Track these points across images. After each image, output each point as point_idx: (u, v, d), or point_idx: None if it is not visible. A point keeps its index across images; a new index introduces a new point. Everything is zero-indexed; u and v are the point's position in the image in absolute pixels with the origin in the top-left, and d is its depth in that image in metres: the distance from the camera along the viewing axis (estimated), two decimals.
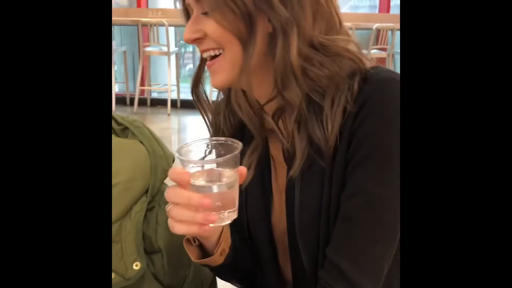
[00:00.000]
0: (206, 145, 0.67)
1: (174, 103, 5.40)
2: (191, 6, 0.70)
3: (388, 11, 5.72)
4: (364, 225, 0.67)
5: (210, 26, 0.67)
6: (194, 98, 0.79)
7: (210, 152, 0.67)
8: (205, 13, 0.68)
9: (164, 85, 5.55)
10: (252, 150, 0.77)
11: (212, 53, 0.70)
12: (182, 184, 0.63)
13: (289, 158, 0.74)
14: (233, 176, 0.64)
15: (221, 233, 0.75)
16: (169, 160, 0.97)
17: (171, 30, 5.37)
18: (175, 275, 0.96)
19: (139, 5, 6.09)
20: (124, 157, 0.97)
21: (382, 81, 0.68)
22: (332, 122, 0.68)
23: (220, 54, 0.69)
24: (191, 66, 7.33)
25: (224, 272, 0.83)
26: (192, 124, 4.87)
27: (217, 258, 0.76)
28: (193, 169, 0.63)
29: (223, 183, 0.64)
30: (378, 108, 0.66)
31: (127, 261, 0.91)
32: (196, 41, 0.70)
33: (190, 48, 8.06)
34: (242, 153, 0.68)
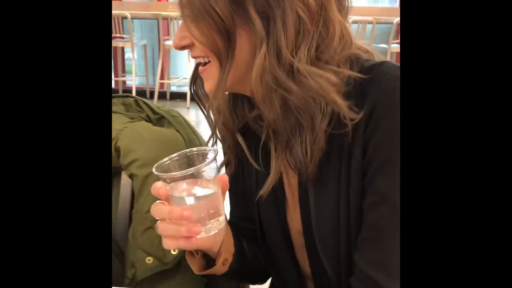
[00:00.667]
0: (184, 158, 0.67)
1: (193, 96, 5.42)
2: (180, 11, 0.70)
3: None
4: (391, 232, 0.67)
5: (194, 35, 0.67)
6: (194, 96, 0.80)
7: (190, 165, 0.66)
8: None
9: (184, 78, 5.58)
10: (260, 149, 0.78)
11: (202, 60, 0.70)
12: (162, 198, 0.65)
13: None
14: (213, 185, 0.65)
15: (222, 243, 0.75)
16: None
17: None
18: None
19: None
20: (163, 145, 0.99)
21: (388, 82, 0.66)
22: (311, 145, 0.68)
23: (209, 61, 0.69)
24: None
25: (231, 278, 0.84)
26: None
27: (220, 268, 0.76)
28: (172, 183, 0.64)
29: (203, 193, 0.64)
30: (389, 113, 0.65)
31: None
32: (185, 48, 0.70)
33: None
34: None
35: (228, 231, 0.78)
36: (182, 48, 0.70)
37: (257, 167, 0.77)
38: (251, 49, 0.66)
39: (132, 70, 5.32)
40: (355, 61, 0.70)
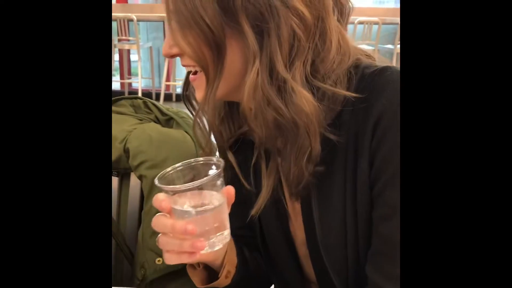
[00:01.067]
0: (189, 168, 0.64)
1: (185, 104, 5.42)
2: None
3: None
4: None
5: (180, 45, 0.63)
6: (186, 104, 0.76)
7: (195, 176, 0.63)
8: None
9: None
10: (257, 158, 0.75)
11: (192, 69, 0.67)
12: (165, 211, 0.61)
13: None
14: (218, 198, 0.62)
15: (225, 255, 0.73)
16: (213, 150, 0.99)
17: None
18: None
19: None
20: (172, 147, 1.00)
21: (392, 92, 0.63)
22: (300, 164, 0.65)
23: (201, 70, 0.65)
24: None
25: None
26: None
27: (223, 281, 0.74)
28: (174, 195, 0.60)
29: (208, 206, 0.61)
30: (395, 125, 0.62)
31: None
32: (174, 56, 0.67)
33: None
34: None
35: (231, 243, 0.76)
36: (172, 56, 0.67)
37: (247, 187, 0.75)
38: (243, 62, 0.63)
39: (138, 72, 5.34)
40: (354, 71, 0.66)
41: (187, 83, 0.74)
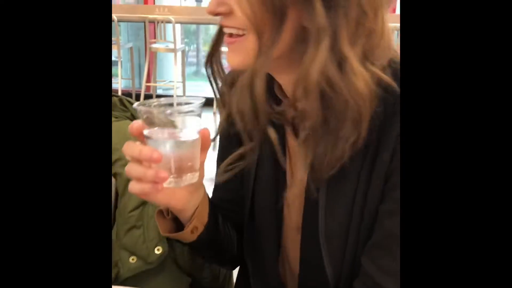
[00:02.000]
0: (169, 104, 0.63)
1: (206, 71, 5.40)
2: None
3: (393, 10, 5.73)
4: None
5: (239, 4, 0.60)
6: (208, 71, 0.73)
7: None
8: None
9: (170, 81, 5.56)
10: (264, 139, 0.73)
11: (234, 31, 0.63)
12: (134, 133, 0.62)
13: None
14: (192, 135, 0.61)
15: (196, 210, 0.72)
16: None
17: (178, 27, 5.38)
18: (194, 261, 0.98)
19: (146, 2, 6.11)
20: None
21: None
22: (333, 148, 0.64)
23: (243, 34, 0.63)
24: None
25: (197, 251, 0.81)
26: None
27: (188, 235, 0.73)
28: (150, 125, 0.61)
29: (180, 139, 0.61)
30: None
31: (149, 245, 0.93)
32: (219, 14, 0.64)
33: (194, 46, 8.04)
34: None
35: (204, 200, 0.75)
36: (217, 14, 0.63)
37: (284, 166, 0.75)
38: (298, 35, 0.61)
39: (118, 73, 5.29)
40: (392, 64, 0.66)
41: (215, 49, 0.71)
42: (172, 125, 0.60)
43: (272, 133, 0.70)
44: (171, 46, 5.15)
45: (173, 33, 5.05)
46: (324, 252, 0.72)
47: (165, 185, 0.61)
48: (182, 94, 5.49)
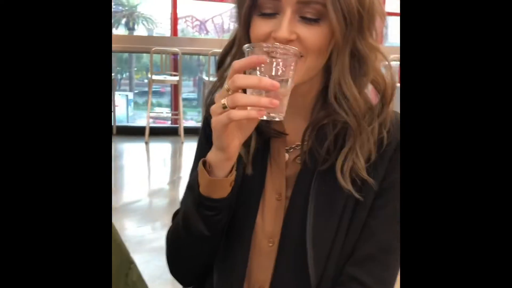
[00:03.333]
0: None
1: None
2: (286, 6, 0.69)
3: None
4: (397, 253, 0.74)
5: (312, 33, 0.69)
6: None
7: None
8: (305, 18, 0.69)
9: None
10: (253, 150, 0.80)
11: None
12: (259, 63, 0.65)
13: (305, 167, 0.77)
14: (291, 80, 0.67)
15: (233, 166, 0.74)
16: None
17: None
18: None
19: None
20: None
21: None
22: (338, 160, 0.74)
23: (302, 56, 0.70)
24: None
25: (213, 220, 0.77)
26: (129, 150, 4.79)
27: (227, 185, 0.74)
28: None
29: (288, 80, 0.67)
30: None
31: None
32: (290, 42, 0.70)
33: (126, 74, 7.94)
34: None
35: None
36: (288, 42, 0.69)
37: (249, 172, 0.80)
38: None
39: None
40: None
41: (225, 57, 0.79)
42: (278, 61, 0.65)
43: (257, 141, 0.79)
44: None
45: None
46: (311, 260, 0.75)
47: (267, 114, 0.66)
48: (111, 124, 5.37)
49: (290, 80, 0.67)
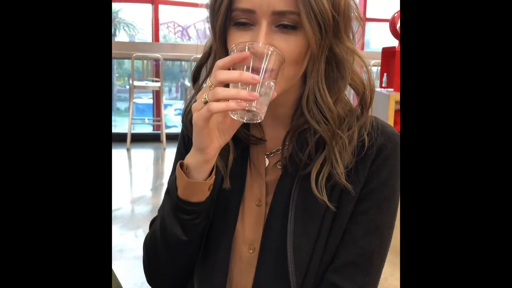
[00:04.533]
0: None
1: None
2: (262, 18, 0.68)
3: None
4: (380, 260, 0.76)
5: (289, 43, 0.68)
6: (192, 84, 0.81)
7: None
8: (281, 26, 0.68)
9: None
10: (231, 164, 0.80)
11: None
12: (242, 57, 0.66)
13: (286, 171, 0.77)
14: (274, 81, 0.67)
15: (213, 167, 0.74)
16: None
17: None
18: None
19: None
20: None
21: (393, 135, 0.77)
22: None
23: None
24: None
25: (195, 218, 0.77)
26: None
27: (205, 189, 0.74)
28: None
29: (268, 77, 0.67)
30: (391, 161, 0.75)
31: None
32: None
33: None
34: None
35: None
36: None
37: (227, 186, 0.79)
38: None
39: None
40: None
41: (200, 67, 0.80)
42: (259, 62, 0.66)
43: (235, 152, 0.80)
44: None
45: None
46: (292, 267, 0.75)
47: (247, 107, 0.65)
48: None
49: (272, 82, 0.67)
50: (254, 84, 0.65)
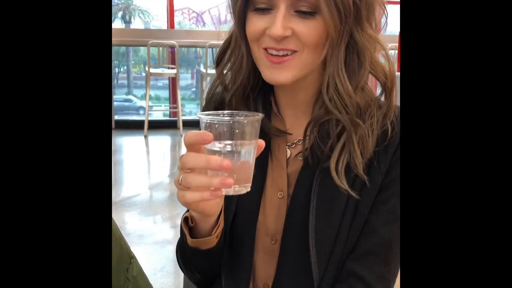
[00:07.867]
0: (229, 115, 0.64)
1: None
2: (280, 1, 0.68)
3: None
4: (398, 249, 0.75)
5: (308, 28, 0.68)
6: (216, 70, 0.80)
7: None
8: (300, 12, 0.68)
9: None
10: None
11: (289, 52, 0.70)
12: (202, 143, 0.60)
13: (306, 163, 0.77)
14: (252, 147, 0.62)
15: (219, 214, 0.74)
16: None
17: None
18: None
19: None
20: None
21: None
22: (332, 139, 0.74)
23: (292, 52, 0.70)
24: None
25: (210, 258, 0.79)
26: (128, 144, 4.79)
27: (213, 239, 0.75)
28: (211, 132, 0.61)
29: (242, 151, 0.61)
30: None
31: None
32: (285, 37, 0.69)
33: (124, 67, 7.94)
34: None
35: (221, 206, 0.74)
36: (282, 39, 0.69)
37: (265, 173, 0.80)
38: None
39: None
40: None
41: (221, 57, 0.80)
42: (231, 135, 0.60)
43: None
44: None
45: None
46: (314, 257, 0.75)
47: (224, 192, 0.61)
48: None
49: (253, 149, 0.62)
50: (228, 169, 0.58)
